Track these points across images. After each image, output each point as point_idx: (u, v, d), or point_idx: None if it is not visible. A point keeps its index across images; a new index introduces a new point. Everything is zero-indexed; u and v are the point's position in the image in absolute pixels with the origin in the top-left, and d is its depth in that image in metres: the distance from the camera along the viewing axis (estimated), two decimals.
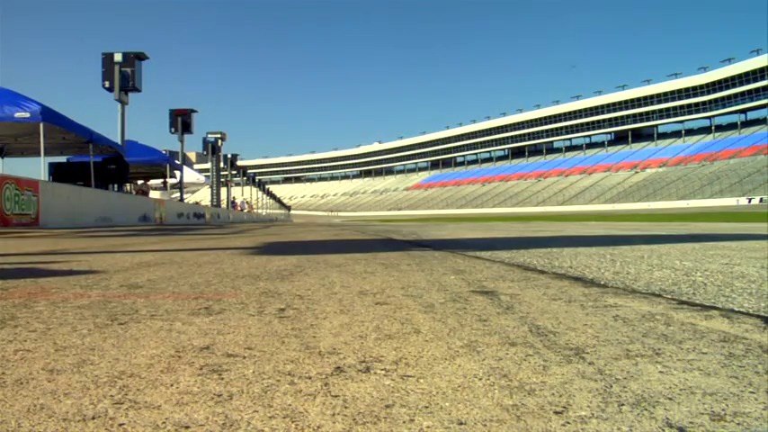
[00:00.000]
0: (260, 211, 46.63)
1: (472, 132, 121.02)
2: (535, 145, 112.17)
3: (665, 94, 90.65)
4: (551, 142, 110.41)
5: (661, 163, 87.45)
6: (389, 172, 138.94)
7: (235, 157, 35.55)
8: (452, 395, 0.85)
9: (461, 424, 0.74)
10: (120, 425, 0.74)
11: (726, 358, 1.05)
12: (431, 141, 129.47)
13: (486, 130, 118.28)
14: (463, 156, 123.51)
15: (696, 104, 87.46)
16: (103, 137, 14.56)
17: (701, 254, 3.57)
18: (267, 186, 57.49)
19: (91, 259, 3.51)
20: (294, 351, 1.13)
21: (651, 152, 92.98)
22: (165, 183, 23.03)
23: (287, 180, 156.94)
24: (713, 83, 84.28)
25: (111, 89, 15.84)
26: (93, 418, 0.76)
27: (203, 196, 52.05)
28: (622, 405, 0.80)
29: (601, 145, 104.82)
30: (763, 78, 77.31)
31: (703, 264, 2.89)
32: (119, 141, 15.91)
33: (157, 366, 1.02)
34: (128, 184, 20.50)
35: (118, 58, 15.71)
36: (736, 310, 1.56)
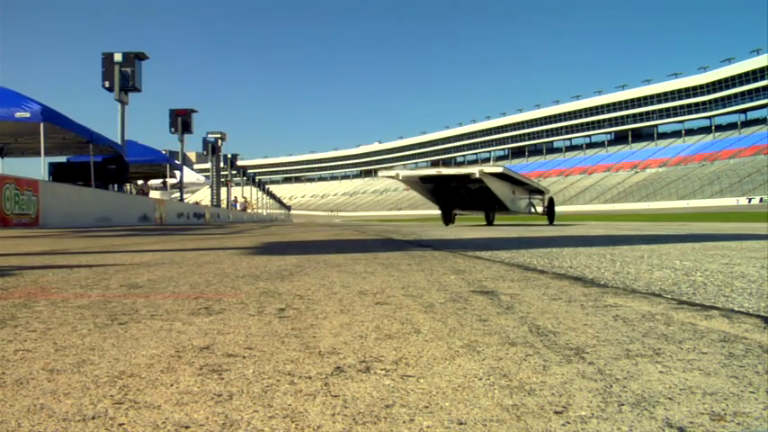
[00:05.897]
0: (260, 210, 46.63)
1: (472, 132, 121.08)
2: (535, 145, 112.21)
3: (665, 94, 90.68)
4: (551, 142, 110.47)
5: (661, 163, 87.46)
6: None
7: (235, 157, 35.61)
8: (452, 395, 0.85)
9: (461, 424, 0.74)
10: (120, 425, 0.74)
11: (726, 358, 1.05)
12: (431, 141, 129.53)
13: (486, 129, 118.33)
14: (463, 156, 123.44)
15: (696, 104, 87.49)
16: (103, 137, 14.58)
17: (701, 254, 3.57)
18: (267, 186, 57.51)
19: (91, 259, 3.51)
20: (294, 351, 1.13)
21: (651, 152, 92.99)
22: (164, 183, 23.07)
23: (287, 180, 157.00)
24: (713, 83, 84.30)
25: (111, 89, 15.86)
26: (93, 418, 0.76)
27: (203, 196, 52.02)
28: (622, 405, 0.80)
29: (601, 145, 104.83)
30: (763, 78, 77.33)
31: (703, 264, 2.89)
32: (119, 141, 15.93)
33: (157, 366, 1.02)
34: (128, 184, 20.52)
35: (118, 58, 15.74)
36: (736, 309, 1.56)
